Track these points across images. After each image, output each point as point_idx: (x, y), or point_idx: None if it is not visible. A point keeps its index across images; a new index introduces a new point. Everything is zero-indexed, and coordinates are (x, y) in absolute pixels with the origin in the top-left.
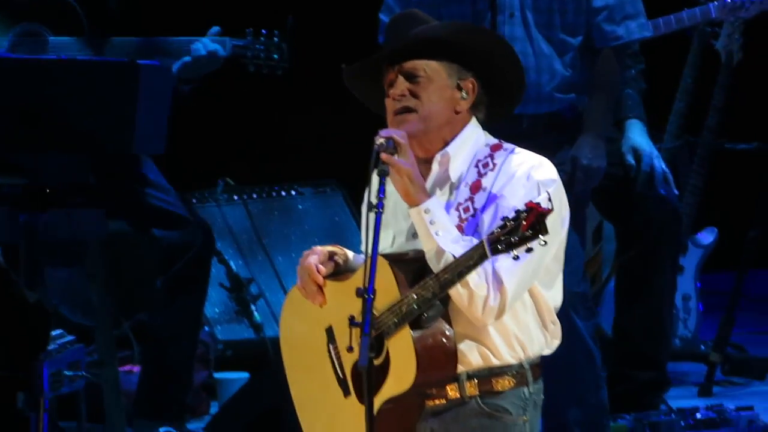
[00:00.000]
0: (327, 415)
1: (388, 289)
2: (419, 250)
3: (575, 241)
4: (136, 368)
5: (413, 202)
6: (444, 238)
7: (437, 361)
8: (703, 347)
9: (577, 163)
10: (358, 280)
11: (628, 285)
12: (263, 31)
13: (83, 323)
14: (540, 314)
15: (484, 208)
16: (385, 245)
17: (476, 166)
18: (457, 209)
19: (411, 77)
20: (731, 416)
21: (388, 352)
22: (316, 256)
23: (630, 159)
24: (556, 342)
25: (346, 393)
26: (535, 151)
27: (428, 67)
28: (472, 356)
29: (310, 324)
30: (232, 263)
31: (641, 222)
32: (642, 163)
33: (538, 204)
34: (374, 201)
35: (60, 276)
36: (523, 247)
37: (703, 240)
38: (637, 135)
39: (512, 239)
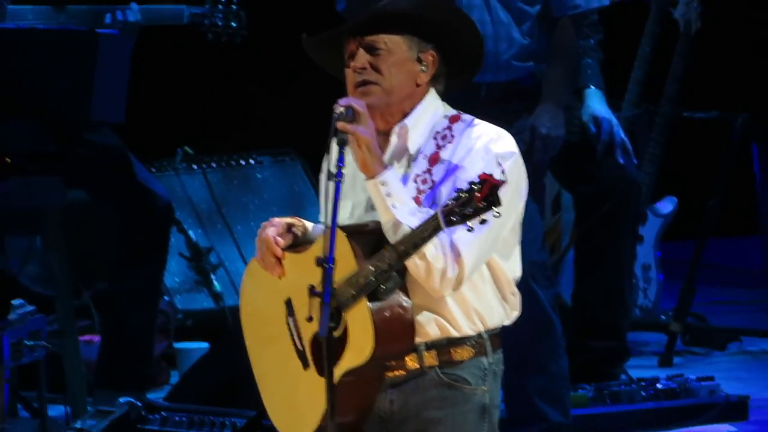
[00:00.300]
0: (286, 386)
1: (345, 261)
2: (378, 222)
3: (534, 210)
4: (97, 338)
5: (370, 173)
6: (401, 210)
7: (395, 333)
8: (663, 317)
9: (536, 132)
10: (317, 251)
11: (587, 254)
12: None
13: (43, 293)
14: (499, 286)
15: (442, 180)
16: (344, 216)
17: (434, 138)
18: (415, 180)
19: (371, 50)
20: (692, 386)
21: (346, 324)
22: (274, 228)
23: (591, 127)
24: (515, 313)
25: (305, 365)
26: (493, 120)
27: (389, 41)
28: (430, 328)
29: (269, 296)
30: (191, 232)
31: (600, 191)
32: (602, 131)
33: (491, 175)
34: (333, 170)
35: (19, 245)
36: (477, 219)
37: (663, 209)
38: (596, 103)
39: (466, 211)
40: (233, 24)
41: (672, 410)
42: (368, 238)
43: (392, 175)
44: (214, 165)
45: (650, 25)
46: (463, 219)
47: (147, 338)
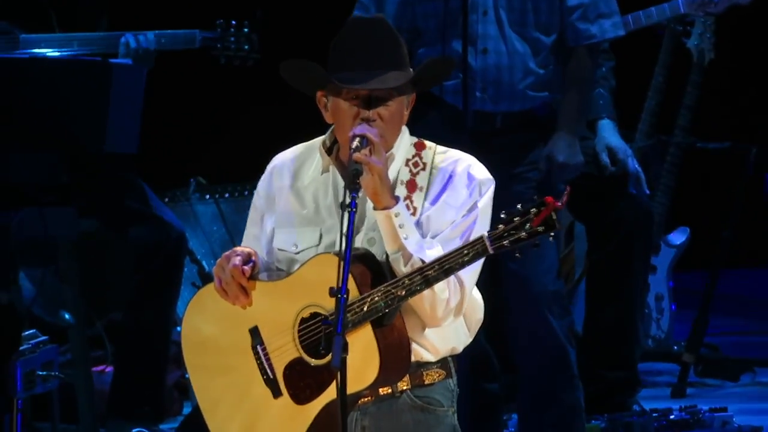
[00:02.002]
0: (246, 416)
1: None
2: (366, 249)
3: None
4: (109, 368)
5: (382, 204)
6: (411, 242)
7: (397, 360)
8: (676, 347)
9: (553, 160)
10: (298, 279)
11: (599, 284)
12: (233, 22)
13: (56, 323)
14: (467, 313)
15: (424, 208)
16: (311, 243)
17: (407, 165)
18: None
19: (385, 99)
20: (705, 417)
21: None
22: (239, 257)
23: (605, 158)
24: (470, 339)
25: (276, 393)
26: (509, 149)
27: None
28: None
29: (225, 325)
30: (204, 262)
31: (612, 221)
32: (618, 162)
33: (554, 199)
34: (347, 200)
35: (33, 275)
36: (531, 242)
37: (676, 240)
38: (610, 134)
39: (520, 235)
40: (245, 47)
41: None
42: (365, 264)
43: (403, 207)
44: (227, 195)
45: (663, 56)
46: (515, 243)
47: (160, 368)
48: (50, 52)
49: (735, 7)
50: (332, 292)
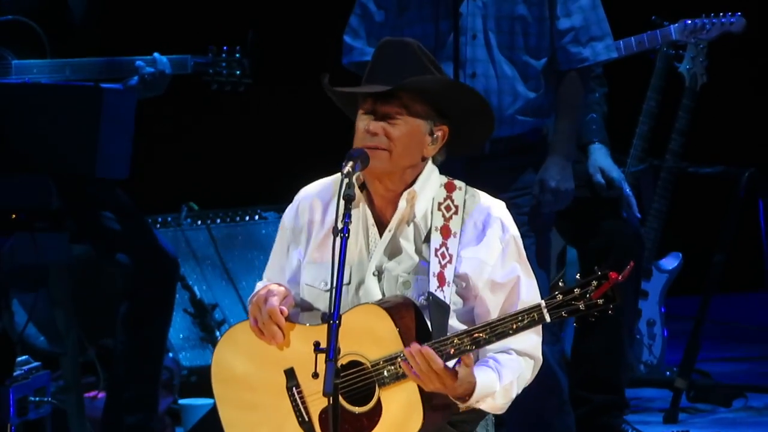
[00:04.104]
0: None
1: (388, 339)
2: (404, 298)
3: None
4: (101, 394)
5: (462, 399)
6: (488, 402)
7: (439, 413)
8: (668, 373)
9: (545, 186)
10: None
11: None
12: (224, 47)
13: (48, 349)
14: None
15: (460, 256)
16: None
17: (439, 209)
18: (436, 255)
19: (388, 116)
20: None
21: (379, 401)
22: (276, 297)
23: (599, 178)
24: None
25: None
26: (497, 175)
27: (409, 113)
28: None
29: (260, 363)
30: (196, 288)
31: (602, 245)
32: (613, 186)
33: (618, 273)
34: (340, 226)
35: (25, 301)
36: (588, 315)
37: (668, 265)
38: (603, 158)
39: (579, 306)
40: (237, 72)
41: None
42: (408, 315)
43: (477, 388)
44: (218, 221)
45: (655, 79)
46: (572, 314)
47: (151, 394)
48: (43, 78)
49: (727, 34)
50: (324, 318)
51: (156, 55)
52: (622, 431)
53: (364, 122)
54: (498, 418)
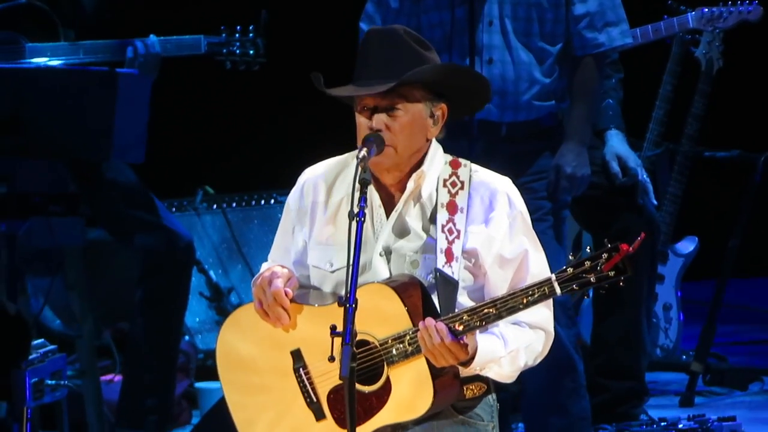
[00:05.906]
0: None
1: (396, 318)
2: (411, 277)
3: (555, 250)
4: (118, 378)
5: (465, 364)
6: (494, 370)
7: (449, 391)
8: (684, 357)
9: (561, 171)
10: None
11: (605, 295)
12: (237, 27)
13: (64, 333)
14: None
15: (468, 231)
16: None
17: (445, 185)
18: (443, 231)
19: (390, 109)
20: (713, 427)
21: (388, 380)
22: (281, 279)
23: (615, 167)
24: None
25: (319, 416)
26: (514, 160)
27: (407, 102)
28: None
29: (265, 345)
30: (211, 272)
31: (618, 231)
32: (629, 171)
33: (628, 244)
34: (356, 210)
35: (41, 284)
36: (600, 287)
37: (684, 249)
38: (619, 144)
39: (590, 278)
40: (251, 52)
41: None
42: (415, 293)
43: (479, 352)
44: (234, 204)
45: (671, 64)
46: (583, 287)
47: (168, 378)
48: (56, 61)
49: (744, 23)
50: (340, 302)
51: (151, 36)
52: (638, 419)
53: (365, 117)
54: (514, 404)
